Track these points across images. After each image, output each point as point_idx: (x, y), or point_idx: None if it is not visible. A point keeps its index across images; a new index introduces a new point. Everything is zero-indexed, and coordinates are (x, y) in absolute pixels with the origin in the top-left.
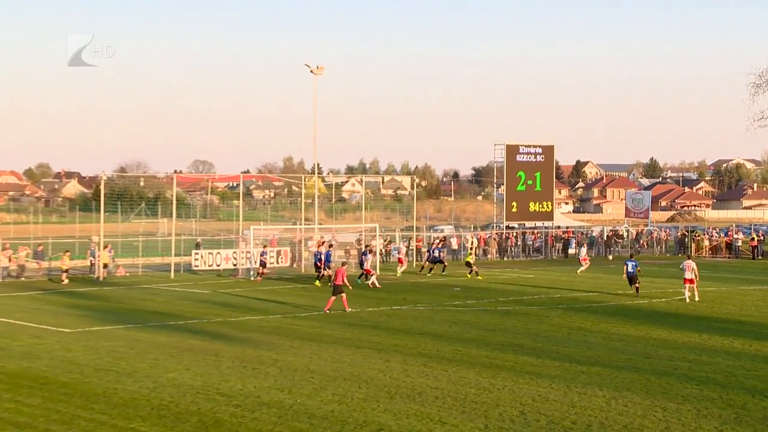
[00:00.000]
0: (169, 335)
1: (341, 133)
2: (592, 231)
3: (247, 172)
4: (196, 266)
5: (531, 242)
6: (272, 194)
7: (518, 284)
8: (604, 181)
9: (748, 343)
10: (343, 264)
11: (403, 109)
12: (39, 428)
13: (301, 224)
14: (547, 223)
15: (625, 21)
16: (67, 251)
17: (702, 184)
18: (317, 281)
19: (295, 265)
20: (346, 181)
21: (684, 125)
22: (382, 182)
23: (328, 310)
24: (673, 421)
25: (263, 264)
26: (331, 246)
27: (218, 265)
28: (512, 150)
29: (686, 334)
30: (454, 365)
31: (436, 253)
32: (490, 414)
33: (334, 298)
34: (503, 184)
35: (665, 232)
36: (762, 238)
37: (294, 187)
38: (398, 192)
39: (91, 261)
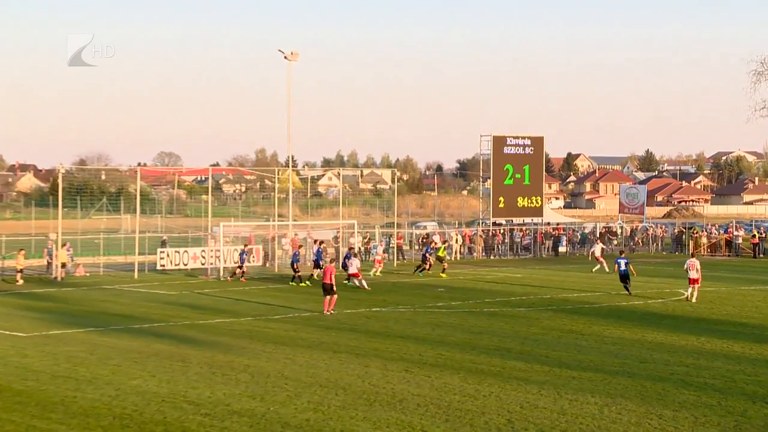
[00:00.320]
0: (133, 339)
1: (317, 124)
2: (584, 228)
3: (217, 165)
4: (161, 266)
5: (519, 240)
6: (243, 189)
7: (506, 284)
8: (597, 174)
9: (749, 347)
10: (332, 261)
11: (384, 98)
12: None
13: (274, 221)
14: (536, 220)
15: (618, 3)
16: (22, 249)
17: (700, 178)
18: (299, 282)
19: (268, 265)
20: (323, 175)
21: (681, 115)
22: (361, 176)
23: (327, 311)
24: (669, 430)
25: (242, 263)
26: (322, 243)
27: (186, 265)
28: (499, 142)
29: (683, 337)
30: (438, 370)
31: (428, 253)
32: (476, 422)
33: (328, 297)
34: (490, 178)
35: (661, 228)
36: (764, 235)
37: (267, 181)
38: (378, 186)
39: (48, 260)
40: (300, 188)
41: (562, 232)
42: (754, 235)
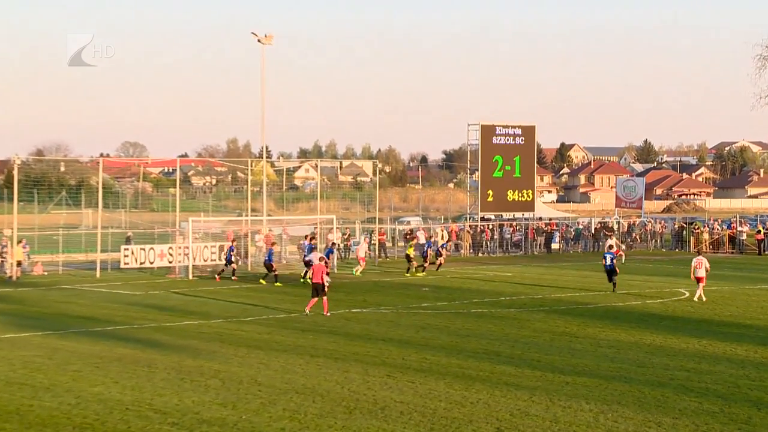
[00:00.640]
0: (95, 343)
1: (293, 112)
2: (578, 223)
3: (185, 155)
4: (125, 264)
5: (509, 236)
6: (214, 181)
7: (495, 283)
8: (592, 166)
9: (753, 350)
10: (321, 259)
11: (364, 85)
12: None
13: (247, 216)
14: (527, 214)
15: None
16: None
17: (702, 169)
18: (274, 281)
19: (240, 263)
20: (299, 167)
21: (682, 103)
22: (340, 168)
23: (327, 312)
24: None
25: (229, 261)
26: (313, 239)
27: (152, 263)
28: (488, 131)
29: (684, 340)
30: (422, 376)
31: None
32: (463, 431)
33: (316, 299)
34: (478, 170)
35: (661, 224)
36: None
37: (239, 174)
38: (358, 179)
39: (2, 258)
40: (275, 181)
41: (554, 227)
42: (759, 231)
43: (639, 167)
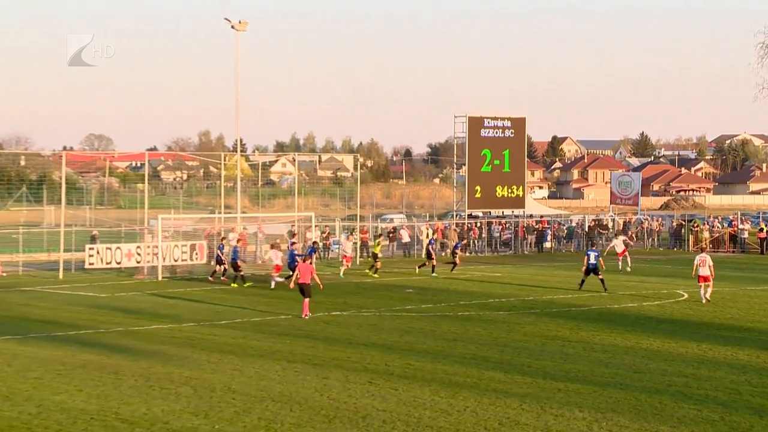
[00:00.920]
0: (57, 348)
1: (269, 103)
2: (571, 220)
3: (154, 149)
4: (90, 264)
5: (498, 234)
6: (185, 176)
7: (483, 284)
8: (586, 160)
9: (755, 354)
10: (305, 259)
11: (344, 75)
12: None
13: (220, 213)
14: (517, 212)
15: None
16: None
17: (701, 164)
18: (242, 282)
19: (212, 263)
20: (276, 161)
21: (680, 94)
22: (319, 162)
23: (306, 315)
24: None
25: (220, 261)
26: (294, 235)
27: (118, 263)
28: (476, 123)
29: (682, 344)
30: (406, 382)
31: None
32: None
33: (307, 300)
34: (465, 165)
35: (658, 221)
36: None
37: (212, 168)
38: (338, 174)
39: None
40: (250, 176)
41: (546, 225)
42: (761, 229)
43: (635, 161)
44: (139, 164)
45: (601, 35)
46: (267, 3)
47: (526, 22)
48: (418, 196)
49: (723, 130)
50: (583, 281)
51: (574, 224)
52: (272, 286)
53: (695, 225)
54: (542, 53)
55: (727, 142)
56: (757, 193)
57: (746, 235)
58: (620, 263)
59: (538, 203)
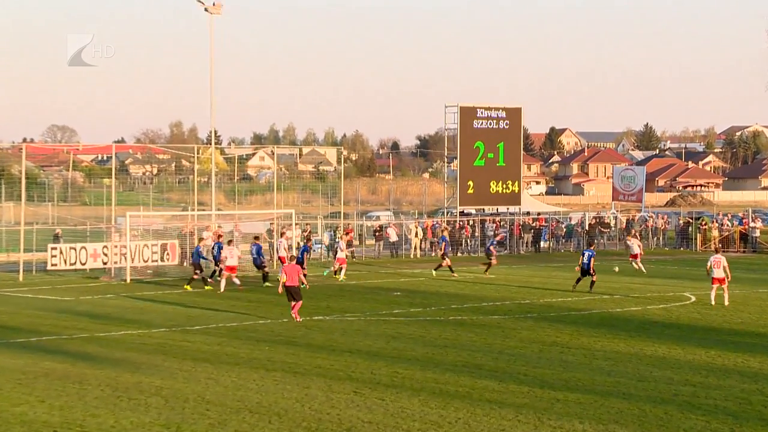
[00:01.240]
0: (17, 356)
1: (246, 92)
2: (570, 218)
3: (122, 141)
4: (53, 265)
5: (492, 233)
6: (155, 171)
7: (476, 286)
8: (586, 154)
9: None
10: (292, 258)
11: (327, 62)
12: None
13: (193, 210)
14: (512, 209)
15: None
16: None
17: (710, 157)
18: (205, 283)
19: (185, 264)
20: (253, 154)
21: (687, 84)
22: (300, 155)
23: (298, 319)
24: None
25: (217, 260)
26: (283, 234)
27: (83, 264)
28: (468, 114)
29: (690, 351)
30: (393, 392)
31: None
32: None
33: (297, 303)
34: (456, 158)
35: (663, 219)
36: None
37: (184, 162)
38: (321, 168)
39: None
40: (225, 170)
41: (543, 223)
42: None
43: (639, 155)
44: (105, 157)
45: (602, 22)
46: None
47: (520, 7)
48: (407, 191)
49: (733, 122)
50: (578, 280)
51: (573, 222)
52: (221, 290)
53: (703, 223)
54: (538, 40)
55: (738, 134)
56: None
57: (758, 233)
58: (637, 265)
59: (535, 199)
